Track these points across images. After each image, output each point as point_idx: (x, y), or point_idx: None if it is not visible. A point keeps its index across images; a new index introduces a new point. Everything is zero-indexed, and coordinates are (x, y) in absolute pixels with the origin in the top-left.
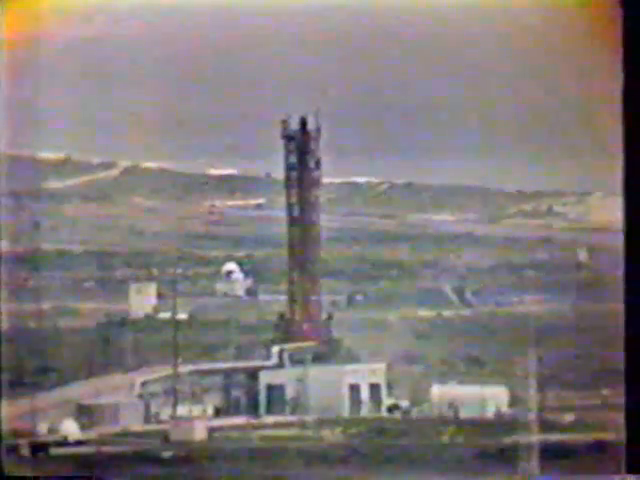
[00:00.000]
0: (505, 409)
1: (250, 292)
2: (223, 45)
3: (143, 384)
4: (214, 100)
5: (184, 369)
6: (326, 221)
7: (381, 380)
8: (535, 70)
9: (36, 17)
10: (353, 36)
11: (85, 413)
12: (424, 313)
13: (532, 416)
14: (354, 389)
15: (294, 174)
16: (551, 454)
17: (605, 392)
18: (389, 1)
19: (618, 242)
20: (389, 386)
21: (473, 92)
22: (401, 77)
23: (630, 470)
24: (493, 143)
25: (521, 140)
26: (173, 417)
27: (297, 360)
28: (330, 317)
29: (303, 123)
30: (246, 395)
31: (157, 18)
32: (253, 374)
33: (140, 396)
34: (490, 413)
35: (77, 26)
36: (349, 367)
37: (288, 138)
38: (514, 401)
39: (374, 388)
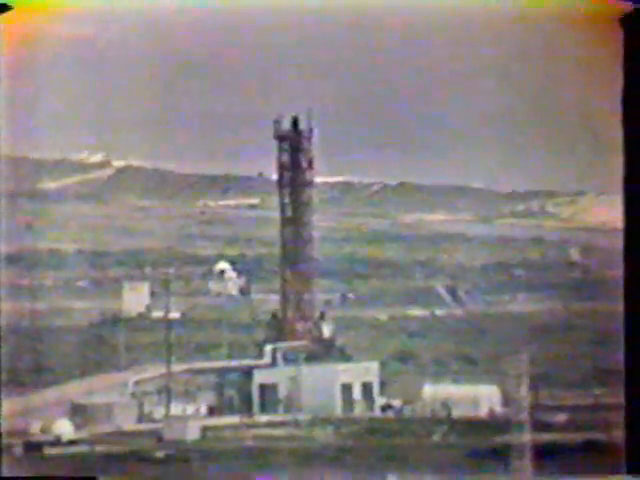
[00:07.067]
0: (498, 408)
1: (243, 291)
2: (217, 46)
3: (136, 383)
4: (207, 100)
5: (177, 368)
6: (319, 221)
7: (374, 379)
8: (535, 71)
9: (35, 19)
10: (349, 37)
11: (79, 412)
12: (417, 312)
13: (524, 415)
14: (347, 388)
15: (287, 174)
16: (543, 453)
17: (597, 391)
18: (387, 2)
19: (610, 242)
20: (382, 385)
21: (471, 93)
22: (396, 76)
23: (629, 470)
24: (488, 143)
25: (518, 140)
26: (166, 416)
27: (290, 359)
28: (323, 316)
29: (295, 123)
30: (239, 394)
31: (152, 20)
32: (246, 373)
33: (133, 395)
34: (483, 412)
35: (74, 27)
36: (342, 366)
37: (281, 138)
38: (507, 400)
39: (367, 387)
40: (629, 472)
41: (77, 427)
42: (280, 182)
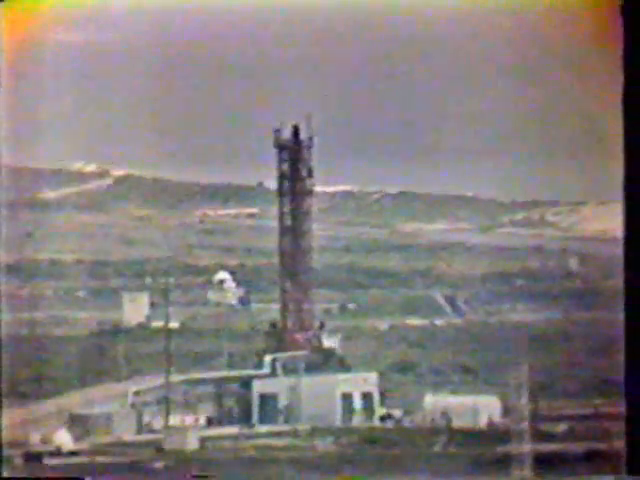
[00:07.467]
0: (497, 418)
1: (242, 301)
2: (216, 54)
3: (136, 393)
4: (207, 109)
5: (176, 378)
6: (318, 230)
7: (373, 389)
8: (534, 74)
9: (35, 22)
10: (349, 46)
11: (78, 422)
12: (416, 322)
13: (524, 425)
14: (346, 398)
15: (286, 183)
16: (543, 463)
17: (597, 401)
18: (386, 2)
19: (609, 251)
20: (381, 395)
21: (471, 101)
22: (396, 85)
23: (630, 472)
24: (488, 151)
25: (517, 147)
26: (166, 427)
27: (290, 369)
28: (322, 326)
29: (295, 132)
30: (239, 404)
31: (151, 27)
32: (246, 383)
33: (133, 405)
34: (482, 422)
35: (73, 31)
36: (341, 376)
37: (281, 147)
38: (506, 410)
39: (366, 397)
40: (629, 474)
41: (77, 437)
42: (280, 191)
